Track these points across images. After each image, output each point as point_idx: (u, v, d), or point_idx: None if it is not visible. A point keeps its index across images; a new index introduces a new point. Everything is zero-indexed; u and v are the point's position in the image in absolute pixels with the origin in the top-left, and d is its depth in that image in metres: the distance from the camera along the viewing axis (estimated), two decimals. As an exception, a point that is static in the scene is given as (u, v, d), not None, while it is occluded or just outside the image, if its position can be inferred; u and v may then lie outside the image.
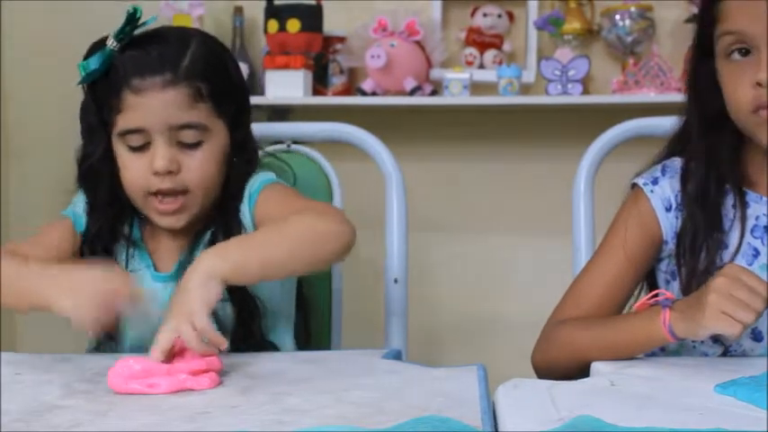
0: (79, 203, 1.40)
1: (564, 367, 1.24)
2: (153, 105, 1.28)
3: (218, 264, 1.15)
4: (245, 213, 1.37)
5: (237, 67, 1.41)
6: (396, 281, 1.57)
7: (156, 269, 1.39)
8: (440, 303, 2.66)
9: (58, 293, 1.14)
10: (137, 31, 1.30)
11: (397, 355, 1.27)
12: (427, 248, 2.54)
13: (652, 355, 1.35)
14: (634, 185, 1.35)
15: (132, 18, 1.27)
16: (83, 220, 1.39)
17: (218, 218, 1.37)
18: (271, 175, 1.41)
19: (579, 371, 1.20)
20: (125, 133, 1.30)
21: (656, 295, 1.19)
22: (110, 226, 1.38)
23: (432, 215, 2.59)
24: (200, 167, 1.32)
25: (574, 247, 1.54)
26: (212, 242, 1.34)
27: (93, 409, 0.98)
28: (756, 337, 1.27)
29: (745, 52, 1.23)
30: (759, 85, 1.20)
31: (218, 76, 1.34)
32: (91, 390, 1.06)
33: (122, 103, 1.29)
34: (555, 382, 1.02)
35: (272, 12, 2.49)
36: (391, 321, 1.55)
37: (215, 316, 1.30)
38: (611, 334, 1.22)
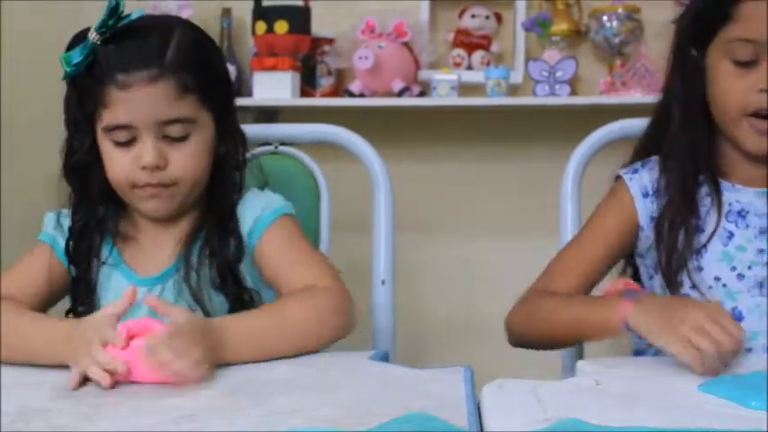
0: (49, 225, 1.39)
1: (536, 336, 1.34)
2: (139, 101, 1.27)
3: (216, 355, 1.13)
4: (245, 219, 1.35)
5: (221, 55, 1.41)
6: (383, 282, 1.57)
7: (136, 271, 1.37)
8: (427, 305, 2.66)
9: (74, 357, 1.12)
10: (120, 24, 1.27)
11: (384, 357, 1.27)
12: (415, 250, 2.54)
13: (640, 354, 1.38)
14: (618, 178, 1.43)
15: (114, 11, 1.25)
16: (60, 241, 1.37)
17: (211, 220, 1.36)
18: (285, 203, 1.40)
19: (549, 346, 1.34)
20: (111, 129, 1.29)
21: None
22: (97, 221, 1.37)
23: (419, 216, 2.59)
24: (187, 161, 1.31)
25: (560, 248, 1.54)
26: (205, 244, 1.33)
27: (80, 411, 0.99)
28: (737, 317, 1.31)
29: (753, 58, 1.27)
30: (763, 91, 1.25)
31: (203, 65, 1.33)
32: (77, 394, 1.07)
33: (107, 99, 1.27)
34: (541, 381, 1.02)
35: (259, 13, 2.49)
36: (378, 323, 1.55)
37: (204, 305, 1.32)
38: (570, 310, 1.30)
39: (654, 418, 0.90)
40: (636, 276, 1.44)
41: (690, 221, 1.34)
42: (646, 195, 1.39)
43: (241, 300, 1.33)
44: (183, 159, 1.30)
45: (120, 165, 1.30)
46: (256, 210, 1.36)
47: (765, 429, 0.88)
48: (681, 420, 0.90)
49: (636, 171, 1.41)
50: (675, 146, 1.37)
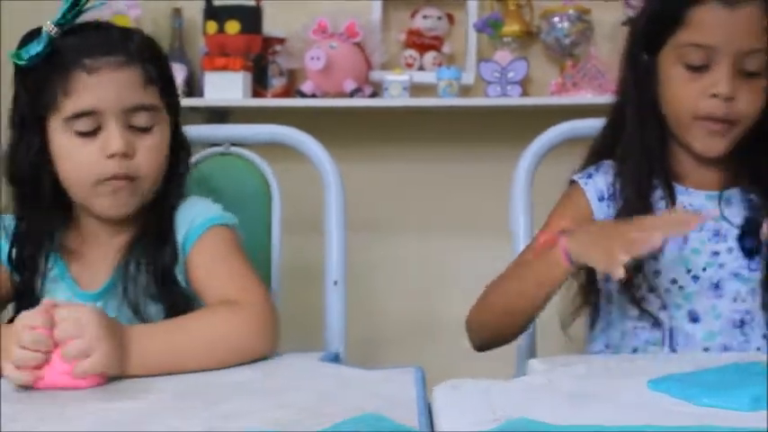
0: None
1: (498, 323, 1.35)
2: (105, 86, 1.25)
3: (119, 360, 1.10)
4: (180, 229, 1.33)
5: (168, 62, 1.40)
6: (335, 283, 1.56)
7: (80, 285, 1.34)
8: (380, 305, 2.66)
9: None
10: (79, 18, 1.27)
11: (335, 358, 1.26)
12: (367, 250, 2.54)
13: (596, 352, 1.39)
14: (572, 182, 1.43)
15: (75, 4, 1.24)
16: (2, 244, 1.34)
17: (151, 229, 1.33)
18: (220, 214, 1.37)
19: (513, 326, 1.34)
20: (74, 117, 1.26)
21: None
22: (43, 231, 1.33)
23: (372, 217, 2.59)
24: (152, 152, 1.29)
25: (513, 247, 1.54)
26: (141, 253, 1.32)
27: (33, 415, 0.97)
28: (694, 318, 1.32)
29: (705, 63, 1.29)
30: (715, 96, 1.26)
31: (161, 62, 1.34)
32: (26, 397, 1.05)
33: (71, 85, 1.25)
34: (492, 381, 1.02)
35: (210, 13, 2.47)
36: (330, 324, 1.55)
37: (142, 316, 1.29)
38: (518, 275, 1.33)
39: (604, 416, 0.91)
40: (592, 278, 1.44)
41: None
42: (602, 199, 1.39)
43: (176, 308, 1.30)
44: (148, 151, 1.29)
45: (84, 156, 1.27)
46: (188, 220, 1.34)
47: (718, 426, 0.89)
48: (631, 418, 0.90)
49: (590, 176, 1.42)
50: (630, 148, 1.38)
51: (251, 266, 1.33)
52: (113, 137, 1.25)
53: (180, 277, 1.33)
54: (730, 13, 1.27)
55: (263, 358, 1.20)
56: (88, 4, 1.27)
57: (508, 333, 1.36)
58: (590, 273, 1.43)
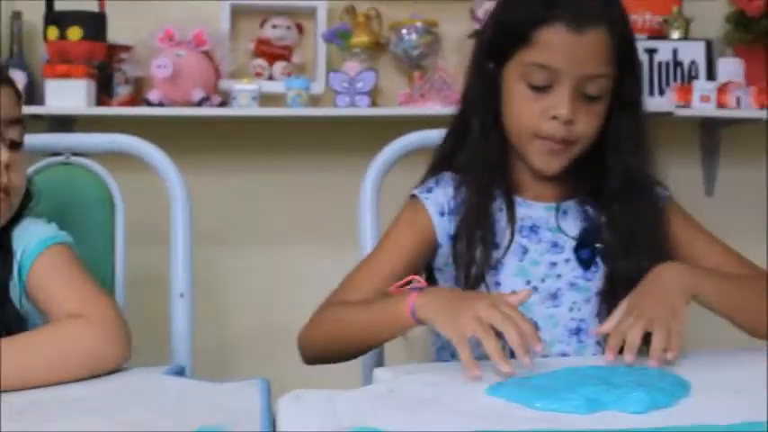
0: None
1: (327, 346, 1.33)
2: None
3: None
4: (17, 250, 1.29)
5: None
6: (181, 295, 1.54)
7: None
8: (229, 317, 2.63)
9: None
10: None
11: (180, 371, 1.25)
12: (216, 261, 2.51)
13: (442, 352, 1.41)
14: (412, 196, 1.43)
15: None
16: None
17: None
18: (54, 233, 1.33)
19: (340, 352, 1.32)
20: None
21: (410, 282, 1.27)
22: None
23: (221, 228, 2.56)
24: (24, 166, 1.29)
25: (360, 257, 1.55)
26: None
27: None
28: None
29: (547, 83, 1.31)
30: (555, 118, 1.28)
31: None
32: None
33: None
34: (336, 391, 1.03)
35: (51, 18, 2.38)
36: (176, 336, 1.53)
37: None
38: (364, 314, 1.30)
39: (443, 422, 0.92)
40: (434, 282, 1.45)
41: (486, 237, 1.36)
42: (442, 214, 1.39)
43: (10, 328, 1.26)
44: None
45: None
46: (23, 244, 1.31)
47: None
48: (468, 422, 0.92)
49: (430, 190, 1.42)
50: (473, 159, 1.39)
51: (94, 280, 1.31)
52: None
53: (15, 299, 1.29)
54: (576, 37, 1.28)
55: (117, 369, 1.19)
56: None
57: (345, 358, 1.35)
58: (434, 284, 1.45)
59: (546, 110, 1.31)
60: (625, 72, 1.34)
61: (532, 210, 1.40)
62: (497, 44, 1.36)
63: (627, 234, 1.36)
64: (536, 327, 1.34)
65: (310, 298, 1.40)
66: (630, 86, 1.36)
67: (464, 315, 1.14)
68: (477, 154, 1.39)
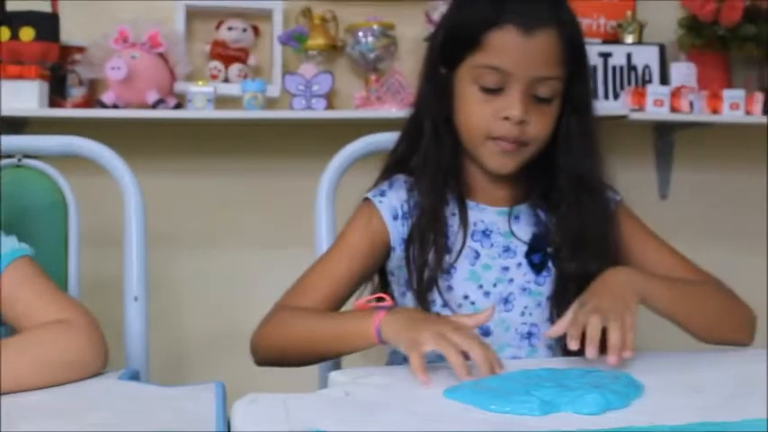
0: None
1: (282, 351, 1.32)
2: None
3: None
4: None
5: None
6: (135, 299, 1.52)
7: None
8: (185, 320, 2.62)
9: None
10: None
11: (134, 376, 1.23)
12: (171, 264, 2.49)
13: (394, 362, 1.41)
14: (365, 200, 1.43)
15: None
16: None
17: None
18: (15, 247, 1.31)
19: (296, 359, 1.32)
20: None
21: (380, 299, 1.27)
22: None
23: (176, 230, 2.54)
24: None
25: (315, 258, 1.55)
26: None
27: None
28: (485, 332, 1.36)
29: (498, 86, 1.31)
30: (507, 119, 1.29)
31: None
32: None
33: None
34: (291, 394, 1.02)
35: (3, 18, 2.36)
36: (131, 340, 1.51)
37: None
38: (327, 326, 1.30)
39: (399, 425, 0.93)
40: (387, 292, 1.45)
41: (439, 241, 1.36)
42: (396, 218, 1.39)
43: None
44: None
45: None
46: None
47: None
48: (425, 425, 0.92)
49: (384, 194, 1.41)
50: (426, 162, 1.38)
51: (61, 289, 1.31)
52: None
53: None
54: (526, 39, 1.28)
55: (98, 373, 1.19)
56: None
57: (302, 364, 1.35)
58: (387, 287, 1.45)
59: (498, 111, 1.31)
60: (575, 74, 1.35)
61: (485, 214, 1.40)
62: (449, 48, 1.36)
63: (575, 235, 1.37)
64: (486, 332, 1.35)
65: (266, 300, 1.40)
66: (580, 88, 1.37)
67: (426, 330, 1.15)
68: (430, 157, 1.39)
